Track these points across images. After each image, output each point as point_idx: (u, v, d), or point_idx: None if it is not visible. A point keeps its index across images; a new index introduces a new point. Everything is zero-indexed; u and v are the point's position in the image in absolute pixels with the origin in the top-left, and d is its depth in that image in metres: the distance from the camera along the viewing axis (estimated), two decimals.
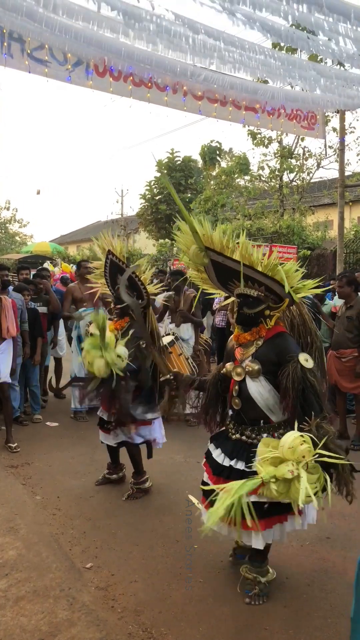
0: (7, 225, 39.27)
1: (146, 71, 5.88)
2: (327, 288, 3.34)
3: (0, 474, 5.01)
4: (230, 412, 3.31)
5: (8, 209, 38.99)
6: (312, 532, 3.75)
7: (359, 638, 2.12)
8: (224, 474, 3.08)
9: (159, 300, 6.68)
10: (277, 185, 17.24)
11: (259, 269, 2.97)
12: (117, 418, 4.22)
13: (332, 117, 14.04)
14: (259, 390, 3.04)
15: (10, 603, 3.03)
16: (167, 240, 23.26)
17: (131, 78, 6.26)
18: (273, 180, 17.37)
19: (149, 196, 24.50)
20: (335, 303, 7.13)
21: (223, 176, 18.54)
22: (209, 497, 3.09)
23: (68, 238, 44.64)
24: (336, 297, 6.95)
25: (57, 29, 4.64)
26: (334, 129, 14.59)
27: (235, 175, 18.05)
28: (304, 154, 16.91)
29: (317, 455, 2.61)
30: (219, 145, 20.66)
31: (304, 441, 2.62)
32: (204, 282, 3.35)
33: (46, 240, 29.33)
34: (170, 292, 6.76)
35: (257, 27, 4.53)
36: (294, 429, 2.74)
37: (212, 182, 20.08)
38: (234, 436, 3.17)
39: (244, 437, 3.11)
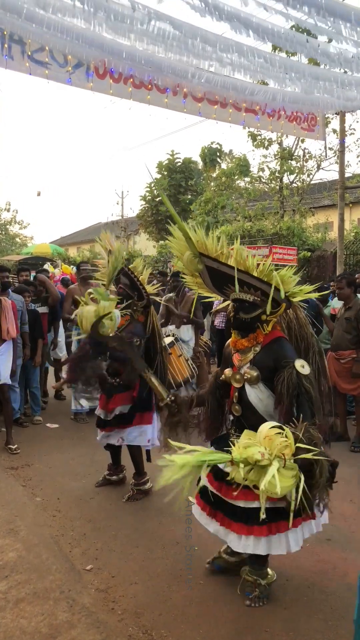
0: (8, 226, 39.30)
1: (147, 73, 5.88)
2: (327, 292, 3.32)
3: (1, 475, 5.01)
4: (230, 418, 3.30)
5: (8, 210, 39.03)
6: (313, 535, 3.74)
7: None
8: (226, 480, 3.03)
9: (163, 303, 6.71)
10: (277, 187, 17.25)
11: (254, 274, 2.96)
12: (83, 379, 4.23)
13: (332, 118, 14.05)
14: (259, 396, 3.02)
15: (10, 605, 3.03)
16: (167, 241, 23.25)
17: (131, 80, 6.26)
18: (273, 181, 17.38)
19: (149, 198, 24.52)
20: (334, 305, 7.13)
21: (223, 178, 18.56)
22: (207, 502, 3.10)
23: (68, 239, 44.63)
24: (335, 298, 6.95)
25: (58, 31, 4.64)
26: (334, 131, 14.60)
27: (236, 177, 18.06)
28: (304, 155, 16.92)
29: (298, 454, 2.61)
30: (219, 147, 20.69)
31: (280, 434, 2.62)
32: (199, 286, 3.33)
33: (46, 241, 29.31)
34: (171, 294, 6.76)
35: (254, 30, 4.54)
36: None
37: (212, 184, 20.10)
38: (235, 441, 3.15)
39: None
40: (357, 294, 6.31)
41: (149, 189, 24.52)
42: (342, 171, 12.71)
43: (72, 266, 15.58)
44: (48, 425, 6.64)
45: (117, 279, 4.54)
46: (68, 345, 7.90)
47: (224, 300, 3.44)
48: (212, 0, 4.28)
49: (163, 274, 10.51)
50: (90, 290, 4.35)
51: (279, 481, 2.50)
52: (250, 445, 2.67)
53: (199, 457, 2.61)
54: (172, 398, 3.44)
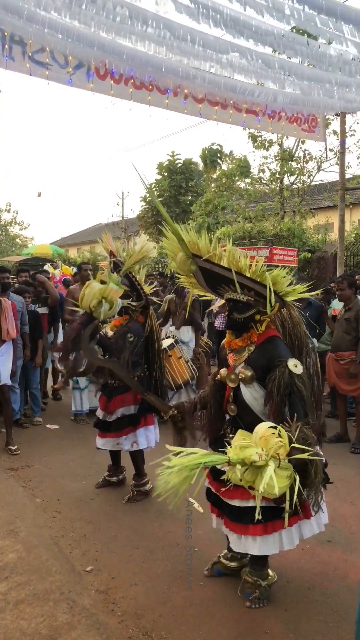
0: (8, 227, 39.27)
1: (147, 74, 5.88)
2: (317, 292, 3.33)
3: (1, 476, 5.00)
4: (227, 417, 3.30)
5: (9, 211, 39.02)
6: (313, 536, 3.73)
7: None
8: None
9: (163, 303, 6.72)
10: (278, 188, 17.25)
11: (247, 274, 2.96)
12: (73, 359, 4.24)
13: (332, 120, 14.06)
14: (253, 395, 3.03)
15: (10, 606, 3.02)
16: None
17: (132, 81, 6.26)
18: (274, 183, 17.37)
19: (150, 199, 24.53)
20: (335, 306, 7.13)
21: (224, 179, 18.55)
22: (216, 507, 3.10)
23: (69, 240, 44.66)
24: (336, 300, 6.95)
25: (59, 32, 4.65)
26: (335, 132, 14.60)
27: (236, 178, 18.06)
28: (304, 156, 16.91)
29: (292, 454, 2.62)
30: (219, 148, 20.68)
31: (275, 434, 2.63)
32: (193, 286, 3.33)
33: (47, 242, 29.33)
34: (172, 295, 6.76)
35: (252, 35, 4.55)
36: None
37: (212, 185, 20.09)
38: (232, 441, 3.16)
39: None
40: (357, 295, 6.31)
41: (152, 190, 24.53)
42: (342, 172, 12.70)
43: (72, 267, 15.58)
44: (48, 426, 6.63)
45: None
46: None
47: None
48: (212, 4, 4.30)
49: (163, 274, 10.52)
50: (103, 271, 4.36)
51: (275, 478, 2.51)
52: (247, 446, 2.68)
53: (196, 459, 2.62)
54: (175, 411, 3.44)
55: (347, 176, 13.72)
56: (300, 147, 16.69)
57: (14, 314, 5.81)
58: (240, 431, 2.93)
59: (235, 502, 2.93)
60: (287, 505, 2.61)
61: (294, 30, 5.06)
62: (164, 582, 3.30)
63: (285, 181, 17.36)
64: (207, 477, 3.27)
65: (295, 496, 2.60)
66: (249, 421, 3.07)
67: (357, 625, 2.17)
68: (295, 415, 2.81)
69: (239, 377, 3.05)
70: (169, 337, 6.50)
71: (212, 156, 20.52)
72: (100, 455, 5.02)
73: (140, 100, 6.47)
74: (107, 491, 4.69)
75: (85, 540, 3.81)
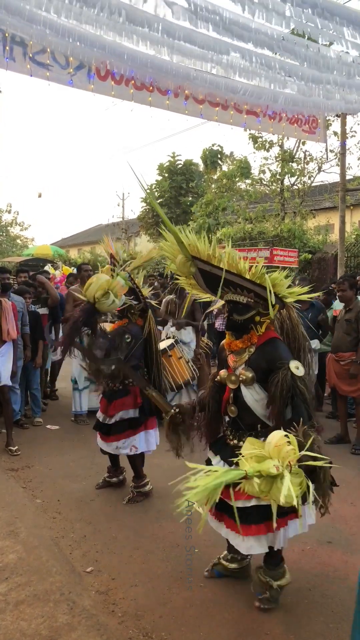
0: (9, 228, 39.29)
1: (148, 75, 5.89)
2: (317, 294, 3.31)
3: (1, 477, 5.00)
4: (226, 419, 3.28)
5: (9, 212, 39.03)
6: (314, 537, 3.74)
7: None
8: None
9: (163, 304, 6.71)
10: (278, 189, 17.25)
11: (247, 276, 2.96)
12: (74, 345, 4.31)
13: (333, 121, 14.06)
14: (254, 397, 3.01)
15: (10, 607, 3.02)
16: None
17: (133, 82, 6.25)
18: (274, 183, 17.38)
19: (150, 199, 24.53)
20: (336, 307, 7.13)
21: (224, 180, 18.56)
22: (216, 509, 3.07)
23: (69, 241, 44.67)
24: (337, 300, 6.95)
25: (59, 32, 4.65)
26: (335, 133, 14.60)
27: (237, 179, 18.07)
28: (305, 157, 16.92)
29: (302, 460, 2.60)
30: (220, 149, 20.71)
31: (289, 442, 2.61)
32: (193, 287, 3.32)
33: (47, 243, 29.36)
34: (172, 296, 6.76)
35: (251, 39, 4.55)
36: None
37: (213, 186, 20.11)
38: (231, 442, 3.14)
39: (241, 443, 3.05)
40: (358, 296, 6.31)
41: (150, 191, 24.55)
42: (343, 173, 12.70)
43: (72, 268, 15.59)
44: (48, 426, 6.63)
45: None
46: None
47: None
48: (211, 7, 4.31)
49: (163, 275, 10.52)
50: (115, 268, 4.40)
51: (292, 488, 2.49)
52: (261, 456, 2.65)
53: (217, 478, 2.60)
54: (176, 410, 3.41)
55: (347, 177, 13.71)
56: (301, 148, 16.71)
57: (15, 315, 5.81)
58: (249, 439, 2.90)
59: (238, 503, 2.89)
60: (299, 510, 2.58)
61: (294, 32, 5.06)
62: (164, 583, 3.29)
63: (286, 182, 17.37)
64: None
65: (309, 500, 2.58)
66: (249, 423, 3.07)
67: (352, 629, 2.17)
68: (301, 418, 2.78)
69: (240, 378, 3.04)
70: (169, 337, 6.51)
71: (213, 157, 20.55)
72: (100, 456, 5.02)
73: (141, 101, 6.47)
74: (107, 492, 4.69)
75: (86, 541, 3.81)
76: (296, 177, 17.08)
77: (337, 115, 12.16)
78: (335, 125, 14.28)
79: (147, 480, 4.58)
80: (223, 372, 3.19)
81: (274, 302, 2.95)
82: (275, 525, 2.61)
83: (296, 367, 2.90)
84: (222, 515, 3.09)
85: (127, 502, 4.44)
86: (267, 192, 17.92)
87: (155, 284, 9.88)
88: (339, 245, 12.49)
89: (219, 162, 20.80)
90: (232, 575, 3.33)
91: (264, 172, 17.33)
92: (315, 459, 2.60)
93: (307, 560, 3.56)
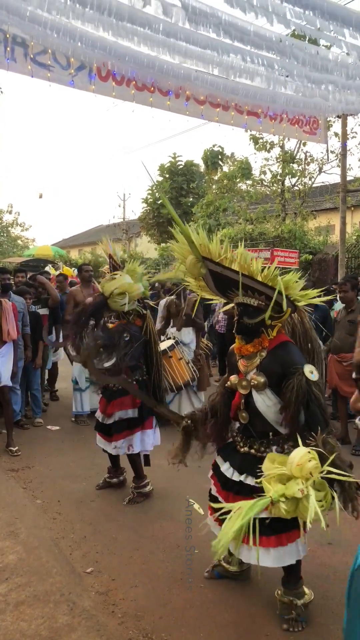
0: (10, 228, 39.30)
1: (149, 75, 5.90)
2: (330, 297, 3.29)
3: (1, 477, 5.00)
4: (237, 425, 3.21)
5: (10, 212, 39.02)
6: (314, 538, 3.73)
7: None
8: (234, 489, 3.00)
9: (163, 307, 6.72)
10: (279, 190, 17.27)
11: (259, 278, 2.88)
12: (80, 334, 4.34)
13: (334, 122, 14.08)
14: (266, 403, 2.93)
15: (10, 607, 3.02)
16: (168, 244, 23.30)
17: (134, 82, 6.26)
18: (275, 184, 17.40)
19: (151, 200, 24.56)
20: (336, 307, 7.13)
21: (225, 180, 18.58)
22: (216, 511, 3.04)
23: (70, 242, 44.69)
24: (338, 301, 6.94)
25: (61, 33, 4.66)
26: (336, 134, 14.63)
27: (237, 180, 18.10)
28: (305, 158, 16.94)
29: (324, 472, 2.55)
30: (221, 150, 20.72)
31: (312, 457, 2.55)
32: (202, 289, 3.25)
33: (48, 243, 29.37)
34: (172, 297, 6.77)
35: (250, 41, 4.56)
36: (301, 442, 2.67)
37: (214, 187, 20.12)
38: (242, 449, 3.07)
39: (252, 451, 3.01)
40: (359, 297, 6.30)
41: (150, 192, 24.56)
42: (343, 174, 12.71)
43: (73, 268, 15.59)
44: (49, 427, 6.63)
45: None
46: None
47: (225, 304, 3.40)
48: (210, 10, 4.32)
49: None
50: (143, 276, 4.49)
51: (318, 506, 2.45)
52: (283, 476, 2.60)
53: (245, 516, 2.56)
54: (189, 421, 3.32)
55: (348, 178, 13.72)
56: (302, 149, 16.74)
57: (15, 315, 5.81)
58: (269, 455, 2.81)
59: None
60: (322, 524, 2.50)
61: (294, 35, 5.08)
62: (164, 583, 3.29)
63: (287, 183, 17.38)
64: (214, 486, 3.20)
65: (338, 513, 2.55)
66: (261, 430, 2.99)
67: (344, 632, 2.16)
68: (318, 426, 2.74)
69: (251, 383, 2.95)
70: (169, 338, 6.50)
71: (214, 158, 20.55)
72: (100, 457, 5.02)
73: (142, 102, 6.48)
74: (107, 493, 4.69)
75: (86, 541, 3.81)
76: (297, 178, 17.10)
77: (337, 116, 12.17)
78: (336, 127, 14.31)
79: (148, 481, 4.58)
80: (234, 378, 3.11)
81: (285, 304, 2.86)
82: (303, 533, 2.58)
83: (310, 372, 2.83)
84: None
85: (128, 502, 4.44)
86: (268, 193, 17.94)
87: (156, 284, 9.89)
88: (339, 246, 12.50)
89: (220, 162, 20.81)
90: (232, 577, 3.32)
91: (264, 173, 17.37)
92: (338, 474, 2.54)
93: (307, 562, 3.54)
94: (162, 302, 7.17)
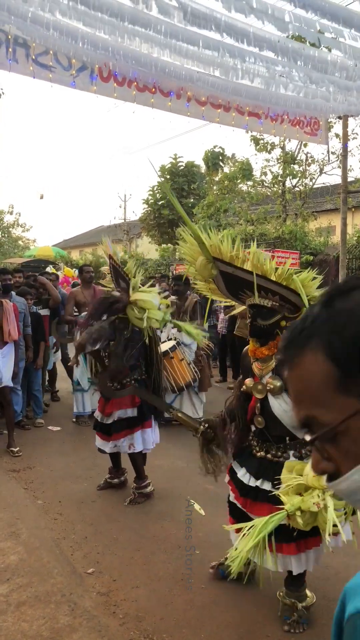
0: (10, 229, 39.29)
1: (150, 76, 5.90)
2: None
3: (2, 478, 5.00)
4: (252, 429, 3.14)
5: (11, 213, 38.96)
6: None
7: None
8: (251, 495, 2.96)
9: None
10: (280, 191, 17.25)
11: (273, 278, 2.80)
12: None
13: (335, 123, 14.07)
14: (283, 407, 2.84)
15: (11, 608, 3.02)
16: (169, 245, 23.30)
17: (135, 83, 6.27)
18: (276, 185, 17.38)
19: (152, 201, 24.55)
20: None
21: (226, 181, 18.56)
22: (236, 519, 3.03)
23: (71, 242, 44.69)
24: None
25: (62, 34, 4.67)
26: (337, 135, 14.61)
27: (238, 181, 18.08)
28: (306, 159, 16.93)
29: None
30: (222, 151, 20.71)
31: None
32: (212, 292, 3.18)
33: (49, 244, 29.39)
34: (174, 297, 6.76)
35: (250, 42, 4.57)
36: None
37: (214, 188, 20.10)
38: (258, 454, 3.02)
39: (269, 456, 2.96)
40: None
41: (151, 193, 24.56)
42: (344, 175, 12.69)
43: (74, 269, 15.60)
44: (50, 428, 6.63)
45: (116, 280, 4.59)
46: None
47: (230, 307, 3.35)
48: (209, 11, 4.33)
49: (165, 277, 10.52)
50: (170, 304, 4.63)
51: (335, 517, 2.43)
52: (299, 487, 2.57)
53: (261, 531, 2.54)
54: (206, 425, 3.23)
55: (349, 179, 13.71)
56: (303, 150, 16.72)
57: (16, 316, 5.82)
58: (287, 464, 2.76)
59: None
60: (341, 533, 2.50)
61: (293, 37, 5.09)
62: (166, 584, 3.29)
63: (288, 184, 17.37)
64: (232, 492, 3.16)
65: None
66: (277, 434, 2.94)
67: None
68: None
69: (267, 387, 2.89)
70: (171, 339, 6.50)
71: (215, 159, 20.54)
72: (101, 457, 5.02)
73: (144, 103, 6.48)
74: (108, 493, 4.69)
75: (87, 542, 3.81)
76: (298, 179, 17.08)
77: (338, 117, 12.16)
78: (337, 128, 14.29)
79: (149, 482, 4.58)
80: (249, 381, 3.04)
81: (304, 303, 2.77)
82: (329, 539, 2.54)
83: None
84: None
85: (129, 503, 4.44)
86: (269, 193, 17.92)
87: (156, 285, 9.88)
88: (340, 247, 12.48)
89: (221, 163, 20.79)
90: (236, 576, 3.30)
91: (265, 173, 17.34)
92: None
93: None
94: None
